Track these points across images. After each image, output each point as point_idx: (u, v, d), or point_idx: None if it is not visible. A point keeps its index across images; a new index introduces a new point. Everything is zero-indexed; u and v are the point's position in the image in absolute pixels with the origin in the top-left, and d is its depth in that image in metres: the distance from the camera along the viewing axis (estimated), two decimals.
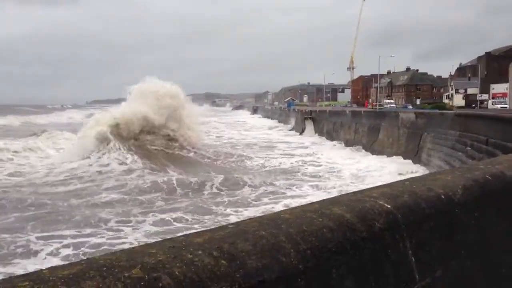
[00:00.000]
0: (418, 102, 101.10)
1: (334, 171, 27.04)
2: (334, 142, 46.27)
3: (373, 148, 38.12)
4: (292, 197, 19.25)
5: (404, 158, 31.78)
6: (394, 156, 32.77)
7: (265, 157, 33.27)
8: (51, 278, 1.34)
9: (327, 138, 51.00)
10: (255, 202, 18.28)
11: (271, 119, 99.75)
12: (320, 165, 29.45)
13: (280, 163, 30.26)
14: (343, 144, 44.05)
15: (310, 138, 52.91)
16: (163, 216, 15.82)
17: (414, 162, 29.75)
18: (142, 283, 1.38)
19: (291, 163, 30.12)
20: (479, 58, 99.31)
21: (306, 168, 28.08)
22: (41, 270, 1.43)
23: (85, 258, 1.55)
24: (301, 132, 60.39)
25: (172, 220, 15.31)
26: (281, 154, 35.89)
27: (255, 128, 75.11)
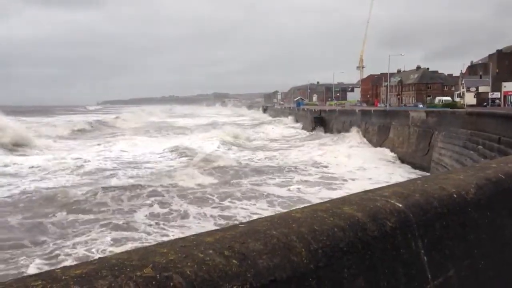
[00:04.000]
0: (429, 100, 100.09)
1: None
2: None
3: (383, 146, 37.92)
4: None
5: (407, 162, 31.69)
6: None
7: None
8: (63, 278, 1.35)
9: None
10: None
11: (278, 118, 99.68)
12: None
13: None
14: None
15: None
16: None
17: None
18: (153, 283, 1.38)
19: None
20: (490, 56, 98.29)
21: None
22: (54, 269, 1.43)
23: (97, 257, 1.56)
24: (311, 131, 60.28)
25: None
26: None
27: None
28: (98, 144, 42.40)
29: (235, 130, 54.87)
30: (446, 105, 62.59)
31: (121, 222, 15.21)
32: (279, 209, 15.95)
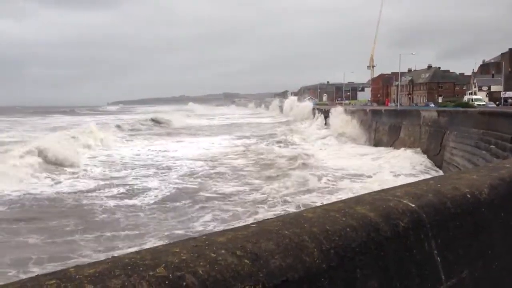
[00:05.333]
0: (440, 100, 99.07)
1: None
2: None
3: (394, 146, 37.73)
4: None
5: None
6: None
7: None
8: (77, 277, 1.36)
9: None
10: None
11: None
12: None
13: None
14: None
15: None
16: None
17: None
18: (166, 282, 1.38)
19: None
20: (503, 54, 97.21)
21: None
22: (67, 268, 1.44)
23: (110, 256, 1.57)
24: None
25: None
26: None
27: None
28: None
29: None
30: (457, 104, 61.17)
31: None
32: None
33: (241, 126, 76.71)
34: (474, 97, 70.90)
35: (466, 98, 72.80)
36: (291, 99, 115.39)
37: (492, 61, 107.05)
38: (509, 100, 73.08)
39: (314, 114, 76.06)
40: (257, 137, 51.13)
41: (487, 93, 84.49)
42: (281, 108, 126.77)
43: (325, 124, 59.98)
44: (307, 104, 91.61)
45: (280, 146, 38.59)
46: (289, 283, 1.60)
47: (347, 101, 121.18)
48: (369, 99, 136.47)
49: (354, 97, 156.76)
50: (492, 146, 21.90)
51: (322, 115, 66.41)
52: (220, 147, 39.63)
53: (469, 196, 2.65)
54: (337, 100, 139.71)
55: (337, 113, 54.97)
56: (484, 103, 63.23)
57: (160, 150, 36.65)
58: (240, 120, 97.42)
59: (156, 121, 73.59)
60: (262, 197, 18.67)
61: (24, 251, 12.38)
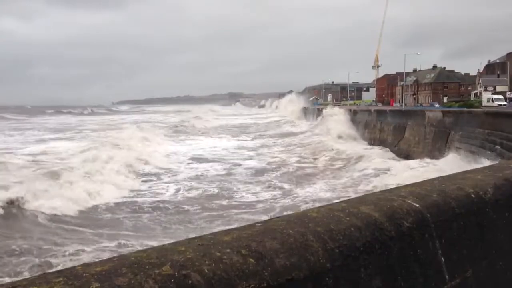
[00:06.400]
0: (445, 100, 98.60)
1: None
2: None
3: (399, 146, 37.69)
4: None
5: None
6: None
7: None
8: (84, 275, 1.37)
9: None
10: None
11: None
12: None
13: None
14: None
15: None
16: None
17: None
18: (172, 280, 1.39)
19: None
20: (508, 54, 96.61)
21: None
22: (74, 266, 1.46)
23: (117, 255, 1.58)
24: None
25: None
26: None
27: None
28: None
29: None
30: (463, 104, 60.30)
31: None
32: None
33: (263, 124, 78.04)
34: (494, 96, 66.43)
35: (486, 97, 68.45)
36: (292, 98, 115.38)
37: (498, 61, 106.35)
38: None
39: (317, 115, 76.06)
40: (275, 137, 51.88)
41: (492, 93, 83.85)
42: (284, 108, 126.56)
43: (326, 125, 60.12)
44: (310, 105, 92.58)
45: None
46: (293, 282, 1.61)
47: (351, 101, 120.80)
48: (374, 99, 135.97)
49: (359, 97, 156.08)
50: (497, 147, 21.82)
51: (325, 115, 66.49)
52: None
53: (473, 196, 2.65)
54: (343, 99, 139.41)
55: (339, 114, 54.92)
56: (505, 103, 60.28)
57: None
58: (253, 120, 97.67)
59: (182, 123, 72.08)
60: None
61: None
